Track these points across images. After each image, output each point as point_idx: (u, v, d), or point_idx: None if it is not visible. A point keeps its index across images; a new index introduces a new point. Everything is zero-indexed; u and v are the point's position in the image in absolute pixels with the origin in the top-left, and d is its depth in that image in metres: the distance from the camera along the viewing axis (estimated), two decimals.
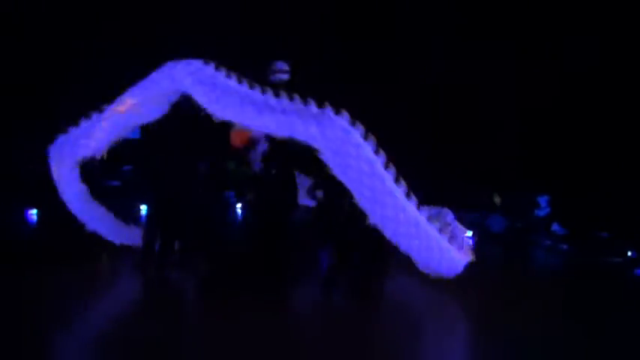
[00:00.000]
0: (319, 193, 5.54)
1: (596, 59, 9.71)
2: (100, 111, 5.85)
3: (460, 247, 5.27)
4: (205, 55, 5.54)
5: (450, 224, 5.50)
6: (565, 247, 8.70)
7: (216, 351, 3.71)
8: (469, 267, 5.50)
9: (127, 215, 7.20)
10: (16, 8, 10.19)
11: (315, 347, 3.93)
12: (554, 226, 9.41)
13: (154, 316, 4.45)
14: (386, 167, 4.86)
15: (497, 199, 10.60)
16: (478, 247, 5.85)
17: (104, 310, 4.85)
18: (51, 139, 6.64)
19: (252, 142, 5.97)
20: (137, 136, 10.08)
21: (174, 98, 5.50)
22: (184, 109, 5.53)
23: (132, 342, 3.89)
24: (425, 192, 6.59)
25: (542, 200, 9.90)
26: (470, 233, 9.00)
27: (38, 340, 3.91)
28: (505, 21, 10.33)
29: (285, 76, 6.22)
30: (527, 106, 10.52)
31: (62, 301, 4.99)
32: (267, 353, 3.68)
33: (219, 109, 4.97)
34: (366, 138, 4.85)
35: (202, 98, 5.02)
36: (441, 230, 5.31)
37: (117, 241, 6.67)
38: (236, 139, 5.99)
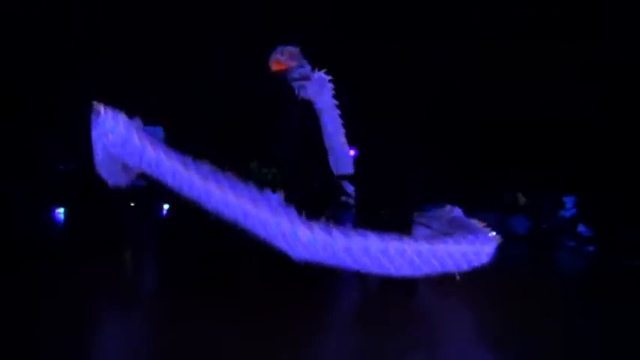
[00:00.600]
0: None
1: (628, 57, 9.50)
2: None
3: (480, 236, 5.20)
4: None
5: (458, 219, 5.49)
6: (591, 249, 8.52)
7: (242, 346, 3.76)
8: (491, 269, 5.44)
9: (152, 213, 7.30)
10: (44, 11, 10.44)
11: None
12: (580, 228, 9.22)
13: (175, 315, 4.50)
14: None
15: (521, 200, 10.44)
16: (501, 249, 5.73)
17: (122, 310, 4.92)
18: (78, 138, 6.79)
19: (290, 66, 5.96)
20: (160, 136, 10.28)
21: None
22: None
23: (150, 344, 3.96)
24: (447, 192, 6.54)
25: (569, 201, 9.71)
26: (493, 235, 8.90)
27: (55, 336, 4.03)
28: (527, 19, 10.18)
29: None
30: (552, 104, 10.34)
31: (82, 299, 5.10)
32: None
33: None
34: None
35: None
36: (447, 227, 5.38)
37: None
38: (275, 64, 5.96)
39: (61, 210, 11.12)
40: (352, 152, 13.00)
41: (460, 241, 4.95)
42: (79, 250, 8.18)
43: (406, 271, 4.66)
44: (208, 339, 4.03)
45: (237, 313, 4.36)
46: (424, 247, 4.70)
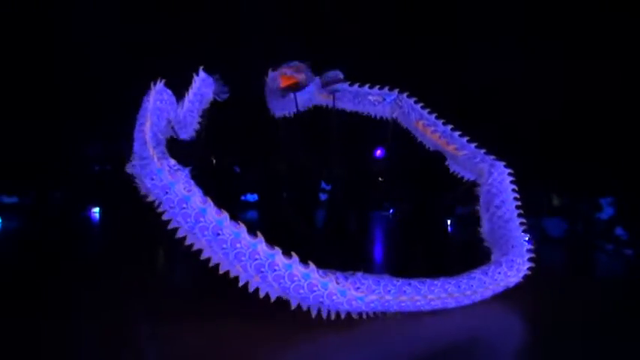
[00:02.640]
0: None
1: None
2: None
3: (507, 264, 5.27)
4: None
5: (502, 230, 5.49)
6: (630, 252, 8.26)
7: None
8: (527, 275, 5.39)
9: None
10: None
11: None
12: (618, 230, 8.94)
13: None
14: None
15: (556, 201, 10.22)
16: (535, 252, 5.62)
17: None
18: (113, 140, 6.96)
19: (299, 80, 5.91)
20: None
21: None
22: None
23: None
24: None
25: (606, 202, 9.43)
26: (526, 237, 8.74)
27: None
28: (556, 19, 9.97)
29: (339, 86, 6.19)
30: (587, 101, 10.09)
31: (116, 300, 5.21)
32: None
33: None
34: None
35: None
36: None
37: None
38: (283, 79, 5.93)
39: (96, 210, 11.40)
40: (379, 152, 12.97)
41: (485, 277, 5.04)
42: (113, 249, 8.36)
43: (437, 306, 4.74)
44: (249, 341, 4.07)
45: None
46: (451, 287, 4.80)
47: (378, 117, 6.52)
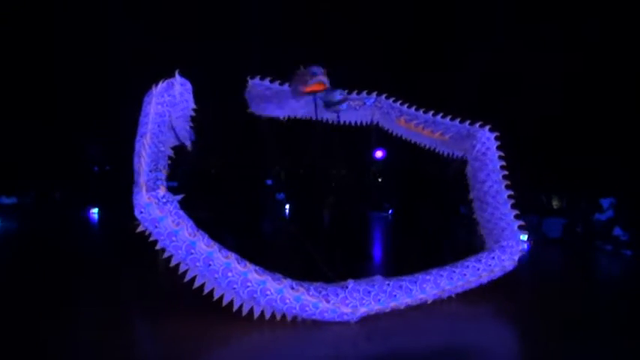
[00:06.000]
0: None
1: None
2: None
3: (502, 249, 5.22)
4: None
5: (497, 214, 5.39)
6: (629, 253, 8.24)
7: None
8: (525, 275, 5.35)
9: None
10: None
11: None
12: (617, 231, 8.92)
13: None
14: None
15: (556, 202, 10.21)
16: (533, 253, 5.58)
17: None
18: (112, 140, 6.96)
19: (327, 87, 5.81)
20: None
21: None
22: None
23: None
24: None
25: (605, 203, 9.42)
26: (525, 237, 8.73)
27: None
28: (555, 14, 9.98)
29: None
30: (589, 100, 10.09)
31: (113, 299, 5.20)
32: None
33: None
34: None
35: None
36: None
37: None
38: (318, 85, 5.79)
39: (95, 210, 11.40)
40: (380, 153, 12.97)
41: (479, 263, 5.04)
42: (111, 249, 8.35)
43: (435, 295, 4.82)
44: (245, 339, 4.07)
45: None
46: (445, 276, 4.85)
47: (359, 123, 6.34)
